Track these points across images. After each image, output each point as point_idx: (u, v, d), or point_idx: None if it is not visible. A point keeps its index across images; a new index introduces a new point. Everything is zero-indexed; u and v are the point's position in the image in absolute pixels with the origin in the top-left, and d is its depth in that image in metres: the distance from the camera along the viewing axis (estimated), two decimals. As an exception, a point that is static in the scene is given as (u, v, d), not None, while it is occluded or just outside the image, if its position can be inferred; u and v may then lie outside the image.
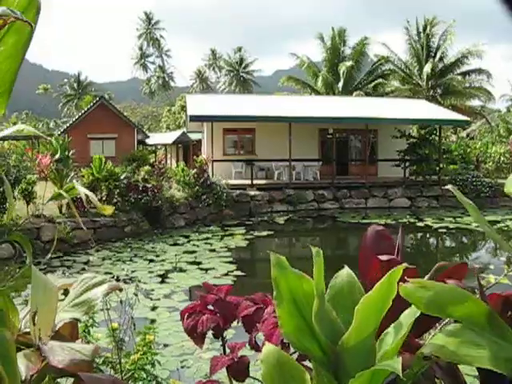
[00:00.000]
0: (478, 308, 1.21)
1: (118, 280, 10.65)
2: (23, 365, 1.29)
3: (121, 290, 1.61)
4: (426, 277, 1.48)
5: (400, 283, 1.22)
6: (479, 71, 43.36)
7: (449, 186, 1.65)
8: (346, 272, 1.52)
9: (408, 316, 1.25)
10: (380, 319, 1.23)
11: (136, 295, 4.20)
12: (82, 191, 1.60)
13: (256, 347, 2.04)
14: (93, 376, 1.48)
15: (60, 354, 1.35)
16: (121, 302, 4.01)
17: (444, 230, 17.61)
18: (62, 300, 1.59)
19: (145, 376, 3.43)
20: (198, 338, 2.22)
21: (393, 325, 1.26)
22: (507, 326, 1.19)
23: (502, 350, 1.13)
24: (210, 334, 2.29)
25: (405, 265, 1.23)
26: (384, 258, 1.50)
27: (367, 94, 41.18)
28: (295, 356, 1.54)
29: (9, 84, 1.28)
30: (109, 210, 1.86)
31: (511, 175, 1.72)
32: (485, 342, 1.13)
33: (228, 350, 2.24)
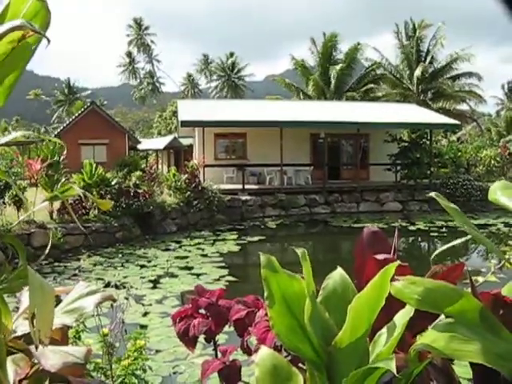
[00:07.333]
0: (469, 304, 1.20)
1: (108, 285, 10.60)
2: (11, 370, 1.26)
3: (114, 300, 1.60)
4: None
5: (391, 283, 1.21)
6: (469, 74, 43.62)
7: (432, 194, 1.66)
8: (338, 273, 1.50)
9: (402, 316, 1.24)
10: (373, 318, 1.22)
11: (127, 299, 4.17)
12: (79, 191, 1.61)
13: (248, 351, 2.01)
14: (83, 381, 1.46)
15: (52, 357, 1.32)
16: (112, 306, 3.97)
17: (436, 234, 17.66)
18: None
19: (136, 382, 3.39)
20: (189, 341, 2.19)
21: (387, 325, 1.25)
22: (499, 323, 1.19)
23: (495, 346, 1.12)
24: (202, 339, 2.27)
25: (398, 262, 1.21)
26: (380, 257, 1.49)
27: (358, 99, 41.28)
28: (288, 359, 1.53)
29: (8, 88, 1.28)
30: (107, 204, 1.85)
31: (494, 183, 1.71)
32: (477, 338, 1.12)
33: (220, 355, 2.22)
